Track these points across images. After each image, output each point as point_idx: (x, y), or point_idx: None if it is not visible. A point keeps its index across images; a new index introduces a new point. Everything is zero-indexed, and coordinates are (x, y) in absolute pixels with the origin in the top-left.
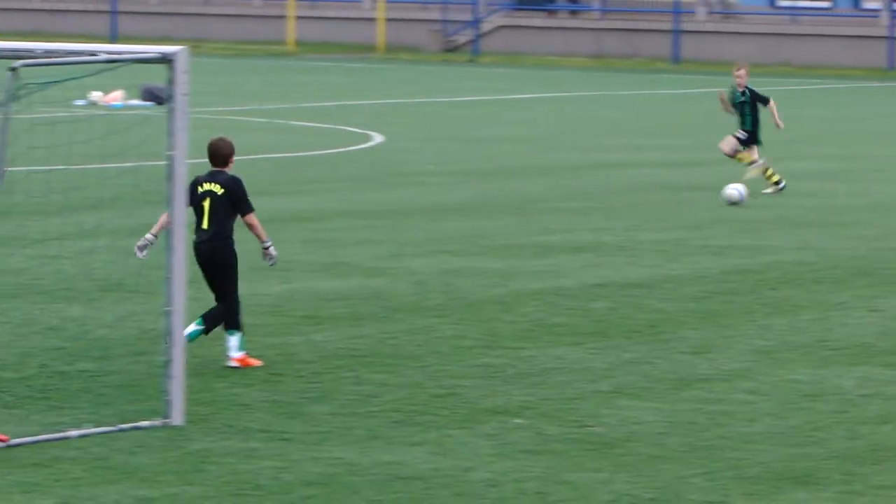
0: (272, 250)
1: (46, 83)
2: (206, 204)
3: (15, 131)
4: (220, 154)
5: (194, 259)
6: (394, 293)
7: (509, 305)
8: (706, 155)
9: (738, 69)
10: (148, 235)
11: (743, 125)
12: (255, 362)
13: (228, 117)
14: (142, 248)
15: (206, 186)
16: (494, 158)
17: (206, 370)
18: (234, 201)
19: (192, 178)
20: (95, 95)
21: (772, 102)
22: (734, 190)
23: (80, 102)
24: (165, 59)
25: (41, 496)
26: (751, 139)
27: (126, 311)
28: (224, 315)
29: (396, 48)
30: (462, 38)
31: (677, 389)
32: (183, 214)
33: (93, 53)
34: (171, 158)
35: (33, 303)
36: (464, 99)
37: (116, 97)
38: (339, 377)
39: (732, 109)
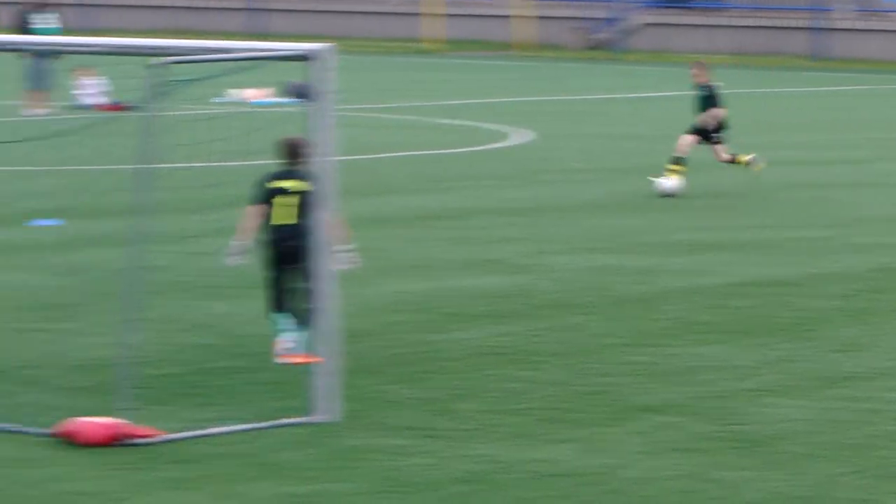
0: (348, 255)
1: (190, 80)
2: (291, 200)
3: (159, 128)
4: (295, 152)
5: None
6: (539, 290)
7: (654, 303)
8: (849, 153)
9: (692, 67)
10: (239, 242)
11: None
12: (316, 359)
13: (372, 115)
14: (234, 256)
15: (286, 182)
16: (639, 155)
17: (355, 367)
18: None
19: (265, 174)
20: (238, 93)
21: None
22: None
23: (222, 100)
24: (310, 57)
25: (191, 492)
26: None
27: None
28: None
29: (540, 46)
30: (606, 36)
31: (824, 387)
32: (329, 212)
33: (238, 51)
34: (317, 156)
35: (179, 300)
36: (608, 96)
37: (259, 95)
38: (485, 375)
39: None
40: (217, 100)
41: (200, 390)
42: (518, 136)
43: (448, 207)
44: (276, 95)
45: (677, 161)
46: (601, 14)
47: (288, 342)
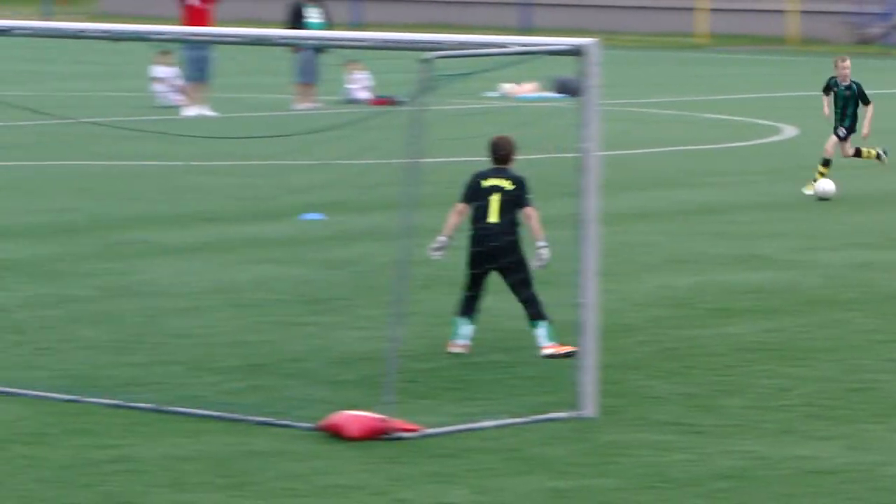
0: (545, 252)
1: (458, 75)
2: (496, 198)
3: (428, 122)
4: (503, 152)
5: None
6: (807, 286)
7: None
8: None
9: (844, 60)
10: (441, 238)
11: (842, 122)
12: (569, 348)
13: (639, 109)
14: (437, 250)
15: (493, 181)
16: None
17: (618, 363)
18: (521, 196)
19: (474, 174)
20: (507, 87)
21: (871, 106)
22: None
23: (491, 94)
24: (577, 52)
25: (454, 486)
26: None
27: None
28: (530, 308)
29: (808, 40)
30: (877, 30)
31: None
32: (595, 207)
33: (504, 46)
34: (583, 150)
35: (444, 294)
36: (879, 92)
37: (529, 89)
38: (751, 370)
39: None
40: (488, 94)
41: (464, 384)
42: (785, 132)
43: (714, 202)
44: (543, 90)
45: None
46: (873, 8)
47: (458, 346)
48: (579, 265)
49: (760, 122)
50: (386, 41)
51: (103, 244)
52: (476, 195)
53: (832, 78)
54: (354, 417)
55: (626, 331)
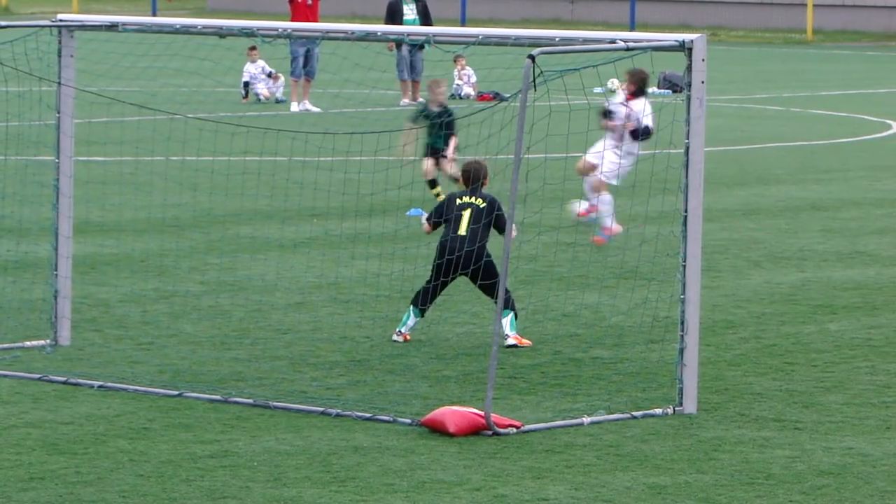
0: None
1: (564, 70)
2: (467, 213)
3: (533, 119)
4: (476, 176)
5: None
6: None
7: None
8: None
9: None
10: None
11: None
12: (526, 342)
13: (745, 105)
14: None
15: (467, 199)
16: None
17: (718, 359)
18: (494, 215)
19: (449, 194)
20: (613, 83)
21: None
22: None
23: (598, 90)
24: (683, 47)
25: (553, 482)
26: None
27: (640, 298)
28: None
29: None
30: None
31: None
32: (699, 203)
33: (611, 41)
34: (688, 146)
35: (548, 289)
36: None
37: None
38: (853, 367)
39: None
40: (598, 90)
41: (564, 380)
42: (893, 128)
43: (822, 198)
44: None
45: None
46: None
47: (400, 335)
48: (682, 261)
49: (867, 118)
50: (490, 37)
51: (208, 239)
52: (448, 212)
53: None
54: (454, 413)
55: (729, 327)
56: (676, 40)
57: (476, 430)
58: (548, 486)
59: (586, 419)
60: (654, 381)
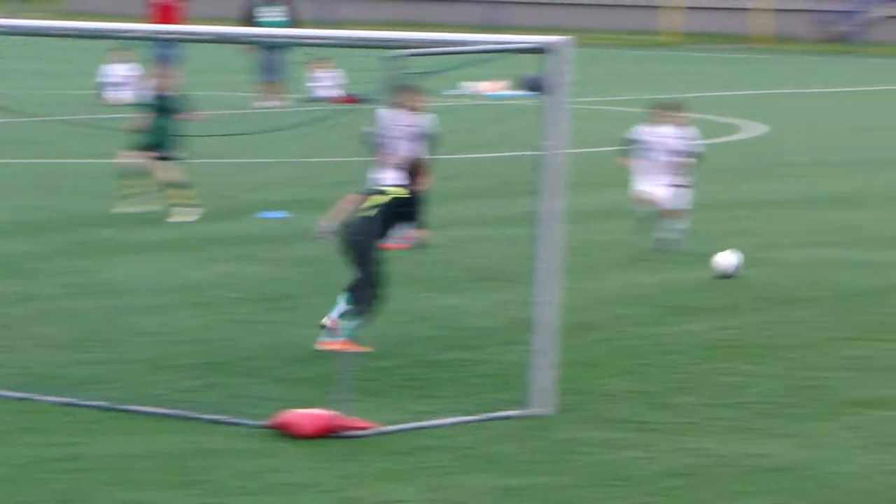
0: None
1: (426, 73)
2: (375, 201)
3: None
4: (411, 171)
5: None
6: (767, 284)
7: (880, 297)
8: None
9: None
10: (329, 223)
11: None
12: (348, 347)
13: (606, 108)
14: (324, 233)
15: (387, 188)
16: (873, 149)
17: (576, 361)
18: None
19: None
20: (474, 86)
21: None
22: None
23: (455, 92)
24: (547, 50)
25: (407, 484)
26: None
27: (498, 300)
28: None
29: (778, 38)
30: (844, 29)
31: None
32: (559, 205)
33: (474, 44)
34: (548, 148)
35: (407, 292)
36: (845, 90)
37: (496, 87)
38: (708, 368)
39: None
40: (450, 92)
41: (419, 383)
42: (750, 130)
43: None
44: (511, 88)
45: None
46: (840, 6)
47: (332, 320)
48: (538, 263)
49: (727, 120)
50: (353, 39)
51: (68, 242)
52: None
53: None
54: (306, 415)
55: (586, 329)
56: (540, 42)
57: (329, 433)
58: (401, 488)
59: (441, 421)
60: (510, 382)
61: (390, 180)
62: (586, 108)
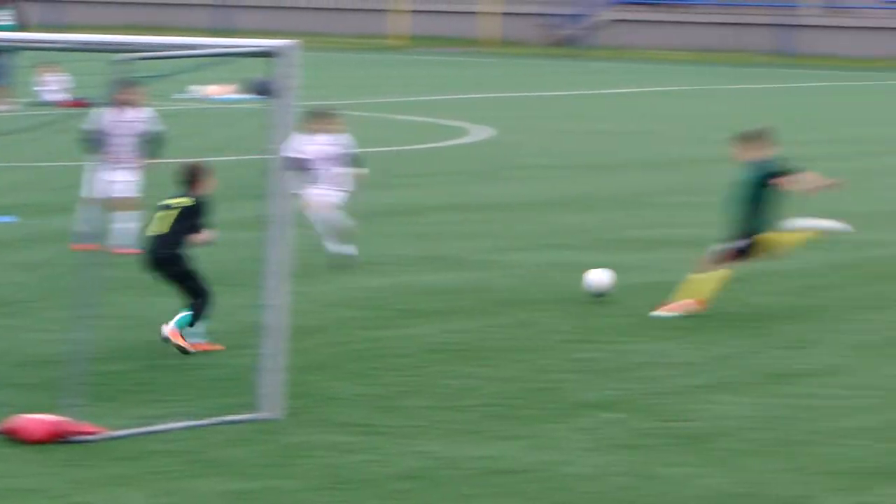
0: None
1: (154, 76)
2: (164, 214)
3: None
4: (191, 178)
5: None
6: (494, 287)
7: (609, 300)
8: (813, 149)
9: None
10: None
11: None
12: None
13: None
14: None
15: (172, 200)
16: (601, 152)
17: (304, 364)
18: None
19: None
20: (202, 89)
21: None
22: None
23: (183, 96)
24: (274, 53)
25: (136, 489)
26: None
27: (226, 304)
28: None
29: (505, 42)
30: (570, 32)
31: (771, 384)
32: (287, 209)
33: (201, 47)
34: (275, 152)
35: (133, 297)
36: (571, 93)
37: (224, 91)
38: (436, 371)
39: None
40: (178, 96)
41: (149, 387)
42: (479, 133)
43: (405, 203)
44: (238, 92)
45: None
46: (566, 10)
47: (172, 330)
48: (266, 267)
49: (454, 123)
50: (80, 43)
51: None
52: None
53: None
54: (34, 420)
55: (314, 332)
56: (267, 46)
57: (58, 438)
58: (130, 493)
59: (170, 425)
60: (240, 386)
61: (121, 181)
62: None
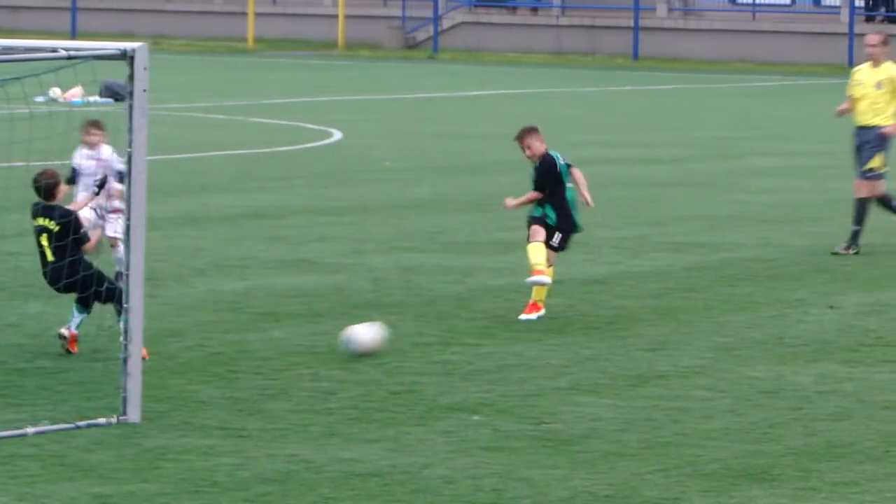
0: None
1: (5, 80)
2: (45, 241)
3: None
4: (47, 189)
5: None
6: (353, 290)
7: (468, 302)
8: (667, 151)
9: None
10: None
11: None
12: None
13: (188, 114)
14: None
15: (41, 222)
16: (455, 155)
17: (163, 367)
18: (71, 235)
19: (33, 203)
20: (55, 92)
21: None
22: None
23: (40, 99)
24: (125, 56)
25: None
26: None
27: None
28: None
29: (357, 45)
30: (422, 35)
31: (635, 386)
32: (142, 212)
33: (53, 50)
34: (130, 155)
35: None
36: (424, 96)
37: (76, 94)
38: (296, 374)
39: None
40: (39, 98)
41: (10, 390)
42: (334, 136)
43: (264, 206)
44: (91, 94)
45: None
46: (418, 13)
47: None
48: (125, 270)
49: (308, 125)
50: None
51: None
52: (34, 228)
53: None
54: None
55: (172, 335)
56: (118, 49)
57: None
58: None
59: (30, 429)
60: (99, 390)
61: None
62: (169, 115)
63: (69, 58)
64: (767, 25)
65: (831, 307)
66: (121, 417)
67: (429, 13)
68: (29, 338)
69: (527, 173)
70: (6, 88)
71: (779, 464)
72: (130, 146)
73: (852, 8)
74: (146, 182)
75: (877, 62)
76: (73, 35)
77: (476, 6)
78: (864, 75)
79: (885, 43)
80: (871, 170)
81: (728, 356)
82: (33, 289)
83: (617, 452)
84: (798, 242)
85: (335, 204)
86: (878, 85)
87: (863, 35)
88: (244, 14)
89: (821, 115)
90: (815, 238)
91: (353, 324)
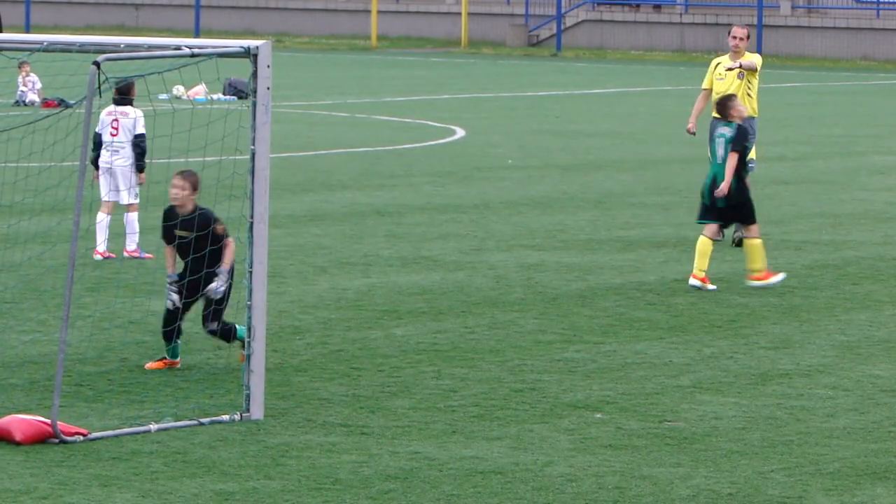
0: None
1: (129, 77)
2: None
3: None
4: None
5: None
6: (475, 287)
7: (590, 300)
8: (789, 149)
9: None
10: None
11: None
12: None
13: (311, 112)
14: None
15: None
16: (577, 153)
17: (287, 365)
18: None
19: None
20: (178, 90)
21: None
22: None
23: (163, 97)
24: (248, 53)
25: (120, 490)
26: None
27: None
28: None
29: (479, 43)
30: (545, 33)
31: (757, 384)
32: (265, 209)
33: (176, 48)
34: (254, 152)
35: (114, 296)
36: (546, 93)
37: (199, 91)
38: (419, 371)
39: None
40: (163, 96)
41: (133, 388)
42: (457, 133)
43: (386, 204)
44: (214, 92)
45: None
46: (541, 11)
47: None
48: (248, 268)
49: (430, 123)
50: (54, 43)
51: None
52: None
53: None
54: (21, 421)
55: (295, 333)
56: (242, 46)
57: (43, 439)
58: (115, 493)
59: (153, 426)
60: (222, 387)
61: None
62: (293, 113)
63: (193, 55)
64: (891, 23)
65: None
66: (244, 414)
67: (552, 11)
68: (151, 335)
69: (648, 172)
70: (142, 84)
71: None
72: (253, 143)
73: None
74: (269, 179)
75: None
76: (197, 33)
77: (599, 4)
78: None
79: None
80: None
81: (851, 355)
82: (156, 286)
83: (739, 451)
84: None
85: (457, 202)
86: None
87: None
88: (367, 12)
89: None
90: None
91: (473, 322)
